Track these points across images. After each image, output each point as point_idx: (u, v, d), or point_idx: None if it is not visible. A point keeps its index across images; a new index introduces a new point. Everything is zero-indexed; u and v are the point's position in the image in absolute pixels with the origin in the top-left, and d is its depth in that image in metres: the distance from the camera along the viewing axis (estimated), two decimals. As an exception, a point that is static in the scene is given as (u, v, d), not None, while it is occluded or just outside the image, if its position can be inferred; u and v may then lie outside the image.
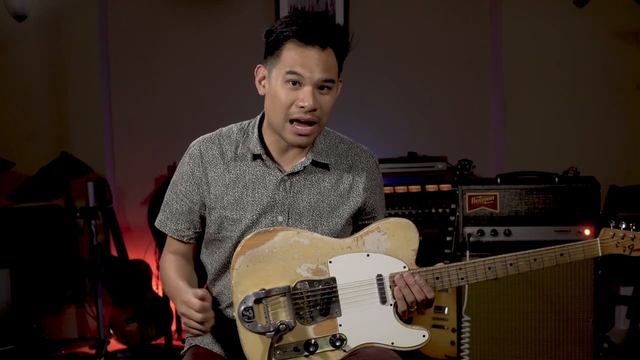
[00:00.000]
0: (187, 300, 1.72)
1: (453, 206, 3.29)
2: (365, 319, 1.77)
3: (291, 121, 1.79)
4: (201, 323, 1.71)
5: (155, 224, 1.99)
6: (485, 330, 3.08)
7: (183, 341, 3.13)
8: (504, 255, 1.83)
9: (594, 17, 4.21)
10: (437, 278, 1.81)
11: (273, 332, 1.68)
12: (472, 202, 3.11)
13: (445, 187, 3.79)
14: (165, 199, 1.98)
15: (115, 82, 4.43)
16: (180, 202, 1.93)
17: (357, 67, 4.37)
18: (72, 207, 4.07)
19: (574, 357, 3.03)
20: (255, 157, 1.89)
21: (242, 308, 1.72)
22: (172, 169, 4.10)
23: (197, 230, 1.96)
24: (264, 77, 1.84)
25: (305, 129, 1.80)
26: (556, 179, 3.10)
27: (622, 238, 1.84)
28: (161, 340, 3.99)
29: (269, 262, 1.76)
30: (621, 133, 4.28)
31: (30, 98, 4.28)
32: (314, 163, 1.90)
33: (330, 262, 1.78)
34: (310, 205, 1.88)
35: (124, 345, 3.96)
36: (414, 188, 3.78)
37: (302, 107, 1.76)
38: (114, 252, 4.03)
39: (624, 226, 1.84)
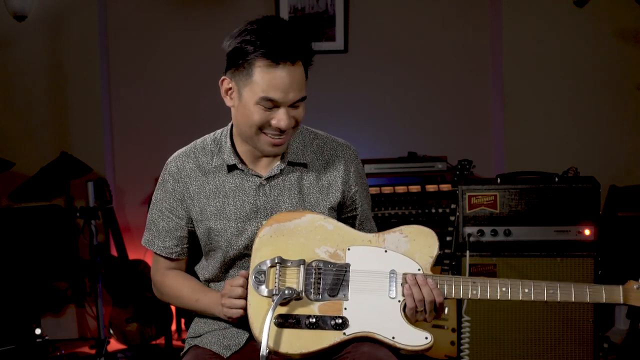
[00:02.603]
0: (232, 281, 1.82)
1: (453, 206, 3.29)
2: (370, 308, 1.78)
3: (265, 133, 1.81)
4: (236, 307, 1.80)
5: (142, 242, 2.01)
6: (485, 330, 3.08)
7: (183, 341, 3.13)
8: (520, 280, 1.82)
9: (594, 17, 4.21)
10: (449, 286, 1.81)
11: (278, 295, 1.73)
12: (472, 202, 3.11)
13: (445, 187, 3.79)
14: (149, 218, 1.99)
15: (115, 82, 4.43)
16: (166, 220, 1.95)
17: (357, 66, 4.38)
18: (72, 207, 4.07)
19: (574, 357, 3.02)
20: (231, 167, 1.90)
21: (256, 271, 1.79)
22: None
23: (185, 245, 1.98)
24: (230, 89, 1.84)
25: (280, 139, 1.82)
26: (556, 179, 3.10)
27: None
28: (161, 340, 3.98)
29: (291, 237, 1.84)
30: (621, 133, 4.28)
31: (30, 98, 4.28)
32: (291, 164, 1.92)
33: (349, 249, 1.83)
34: (292, 206, 1.90)
35: (124, 345, 3.96)
36: (414, 188, 3.78)
37: (277, 128, 1.78)
38: (114, 252, 4.02)
39: None
